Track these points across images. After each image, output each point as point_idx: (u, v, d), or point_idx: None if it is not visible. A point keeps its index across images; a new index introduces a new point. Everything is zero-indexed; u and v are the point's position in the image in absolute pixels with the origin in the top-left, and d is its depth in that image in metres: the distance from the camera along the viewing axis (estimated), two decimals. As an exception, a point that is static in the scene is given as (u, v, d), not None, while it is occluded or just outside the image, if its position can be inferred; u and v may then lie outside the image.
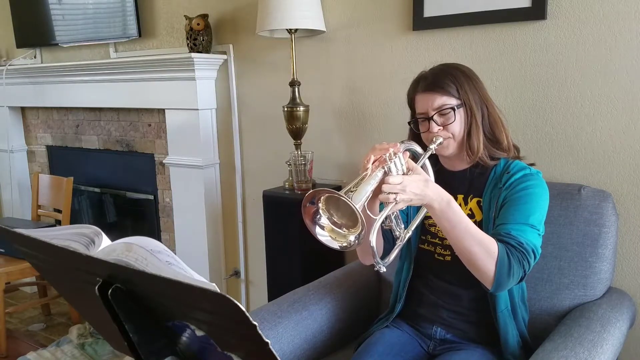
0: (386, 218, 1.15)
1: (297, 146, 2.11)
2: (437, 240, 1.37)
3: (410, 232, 1.22)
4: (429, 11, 1.81)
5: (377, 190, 1.11)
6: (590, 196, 1.46)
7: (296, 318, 1.48)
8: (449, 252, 1.34)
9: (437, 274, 1.38)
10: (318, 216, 1.08)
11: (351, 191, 1.04)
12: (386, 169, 1.11)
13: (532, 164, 1.36)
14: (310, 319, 1.51)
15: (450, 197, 1.16)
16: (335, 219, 1.08)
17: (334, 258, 2.07)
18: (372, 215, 1.13)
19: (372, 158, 1.13)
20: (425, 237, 1.40)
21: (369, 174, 1.10)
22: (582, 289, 1.43)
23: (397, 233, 1.22)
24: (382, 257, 1.17)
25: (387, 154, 1.12)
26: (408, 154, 1.18)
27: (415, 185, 1.11)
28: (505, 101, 1.72)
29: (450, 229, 1.16)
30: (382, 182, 1.10)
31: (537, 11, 1.62)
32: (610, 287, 1.49)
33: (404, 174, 1.13)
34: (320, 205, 1.07)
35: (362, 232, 1.02)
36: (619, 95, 1.55)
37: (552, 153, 1.67)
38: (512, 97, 1.72)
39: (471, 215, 1.33)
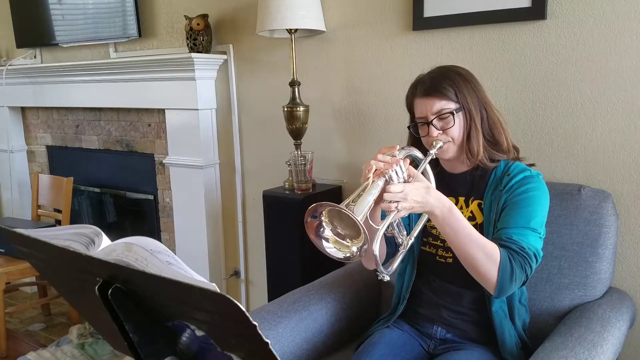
0: (388, 226, 1.16)
1: (297, 146, 2.11)
2: (438, 243, 1.37)
3: (412, 239, 1.23)
4: (429, 11, 1.81)
5: (379, 199, 1.11)
6: (590, 196, 1.46)
7: (296, 318, 1.48)
8: (451, 254, 1.33)
9: (438, 275, 1.38)
10: (322, 229, 1.08)
11: (353, 202, 1.04)
12: (387, 177, 1.11)
13: (532, 165, 1.36)
14: (310, 319, 1.51)
15: (452, 204, 1.16)
16: (339, 230, 1.08)
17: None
18: (374, 225, 1.13)
19: (374, 167, 1.13)
20: (426, 240, 1.40)
21: (370, 184, 1.10)
22: (582, 289, 1.43)
23: (400, 240, 1.23)
24: (385, 262, 1.17)
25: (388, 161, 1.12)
26: (408, 160, 1.18)
27: (416, 193, 1.11)
28: (505, 101, 1.72)
29: (452, 235, 1.16)
30: (383, 190, 1.10)
31: (537, 11, 1.62)
32: (610, 287, 1.49)
33: (405, 181, 1.13)
34: (322, 218, 1.07)
35: (365, 244, 1.03)
36: (619, 95, 1.55)
37: (552, 153, 1.67)
38: (512, 97, 1.72)
39: (472, 218, 1.33)
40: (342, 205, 1.01)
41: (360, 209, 1.03)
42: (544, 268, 1.46)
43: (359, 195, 1.07)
